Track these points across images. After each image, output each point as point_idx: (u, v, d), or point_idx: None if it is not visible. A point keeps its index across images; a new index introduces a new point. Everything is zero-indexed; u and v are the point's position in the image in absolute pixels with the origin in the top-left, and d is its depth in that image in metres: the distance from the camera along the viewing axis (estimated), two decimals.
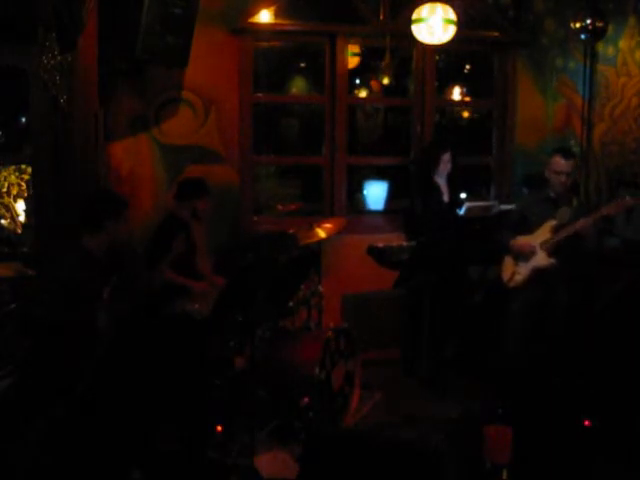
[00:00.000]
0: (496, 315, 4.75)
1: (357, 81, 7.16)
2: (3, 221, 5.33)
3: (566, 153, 4.44)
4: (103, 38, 4.38)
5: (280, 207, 5.27)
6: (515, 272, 4.47)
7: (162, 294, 4.22)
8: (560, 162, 4.35)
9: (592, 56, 5.52)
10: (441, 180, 5.06)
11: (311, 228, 4.51)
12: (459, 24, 4.84)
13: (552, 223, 4.38)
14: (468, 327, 5.07)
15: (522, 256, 4.43)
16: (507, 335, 4.53)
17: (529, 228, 4.46)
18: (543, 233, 4.40)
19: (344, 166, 5.58)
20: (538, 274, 4.38)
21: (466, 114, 7.81)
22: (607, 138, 5.60)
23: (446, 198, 5.07)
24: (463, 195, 5.36)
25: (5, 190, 5.36)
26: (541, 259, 4.36)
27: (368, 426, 4.13)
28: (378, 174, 7.04)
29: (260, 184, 6.23)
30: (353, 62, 5.94)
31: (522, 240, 4.44)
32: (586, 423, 3.61)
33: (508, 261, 4.54)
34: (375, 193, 6.97)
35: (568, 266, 4.36)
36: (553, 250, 4.34)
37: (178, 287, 4.35)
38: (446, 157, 4.99)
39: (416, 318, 4.82)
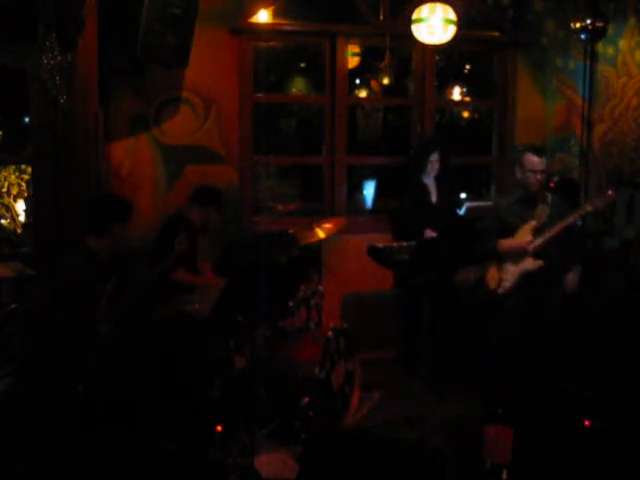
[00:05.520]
0: (495, 315, 4.74)
1: (357, 81, 7.18)
2: (3, 221, 5.34)
3: (538, 150, 4.37)
4: (103, 38, 4.38)
5: (280, 207, 5.27)
6: (502, 279, 4.36)
7: (162, 294, 4.22)
8: (534, 160, 4.27)
9: (592, 56, 5.51)
10: (428, 180, 5.03)
11: (311, 228, 4.50)
12: (459, 24, 4.84)
13: (532, 225, 4.29)
14: (468, 327, 5.06)
15: (513, 256, 4.31)
16: (503, 335, 4.50)
17: (508, 233, 4.35)
18: (524, 235, 4.29)
19: (344, 166, 5.58)
20: (526, 278, 4.29)
21: (466, 114, 7.83)
22: (607, 138, 5.59)
23: (434, 198, 5.03)
24: (463, 195, 5.36)
25: (5, 190, 5.36)
26: (528, 262, 4.28)
27: (368, 426, 4.13)
28: (378, 174, 7.05)
29: (260, 184, 6.24)
30: (353, 62, 5.96)
31: (510, 241, 4.33)
32: (586, 423, 3.61)
33: (492, 270, 4.41)
34: (375, 193, 6.98)
35: (556, 266, 4.32)
36: (538, 252, 4.27)
37: (178, 287, 4.35)
38: (434, 157, 4.97)
39: (416, 318, 4.82)
